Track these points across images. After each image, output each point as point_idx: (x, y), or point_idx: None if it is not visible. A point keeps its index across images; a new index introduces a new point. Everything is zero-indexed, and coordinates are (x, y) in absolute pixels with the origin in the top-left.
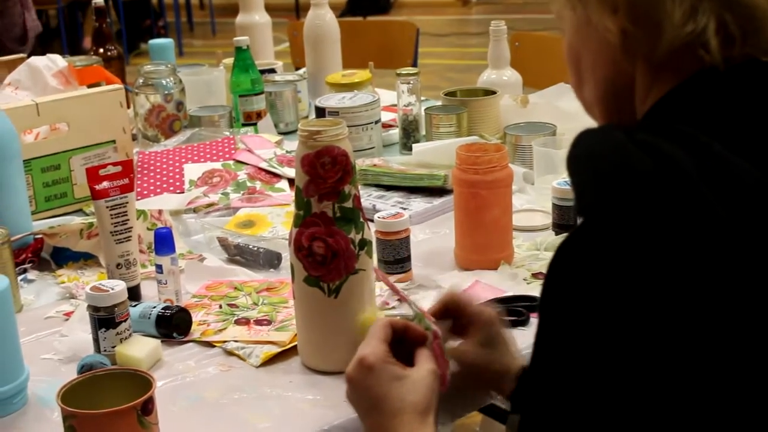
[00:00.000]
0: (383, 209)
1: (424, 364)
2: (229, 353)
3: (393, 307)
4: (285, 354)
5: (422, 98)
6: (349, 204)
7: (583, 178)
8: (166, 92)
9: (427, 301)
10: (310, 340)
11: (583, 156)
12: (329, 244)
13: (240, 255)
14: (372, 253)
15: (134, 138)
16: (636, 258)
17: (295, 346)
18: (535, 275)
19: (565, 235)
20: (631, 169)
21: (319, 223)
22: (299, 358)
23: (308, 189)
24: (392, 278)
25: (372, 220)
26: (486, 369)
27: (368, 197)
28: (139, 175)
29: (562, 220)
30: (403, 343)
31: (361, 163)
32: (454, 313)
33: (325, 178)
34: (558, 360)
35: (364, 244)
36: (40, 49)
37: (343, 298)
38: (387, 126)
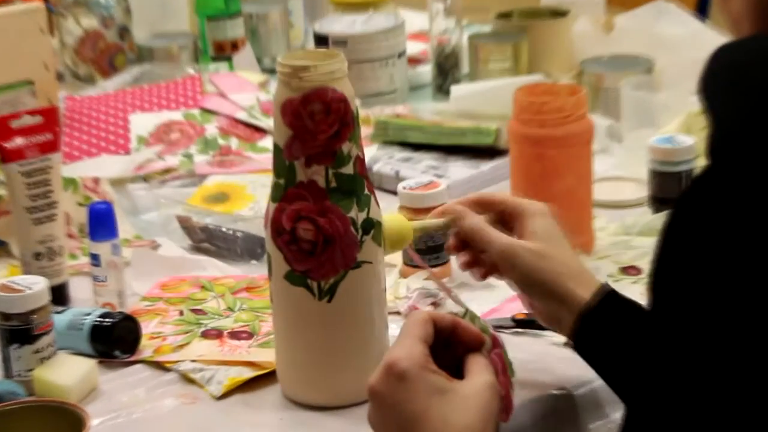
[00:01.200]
0: (410, 177)
1: (479, 376)
2: (191, 379)
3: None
4: (270, 380)
5: (464, 22)
6: (348, 170)
7: (726, 99)
8: (105, 14)
9: (473, 304)
10: (294, 361)
11: (727, 69)
12: (320, 226)
13: (209, 241)
14: (381, 239)
15: (60, 78)
16: None
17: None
18: (625, 270)
19: (687, 193)
20: None
21: (307, 197)
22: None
23: (291, 148)
24: (423, 273)
25: (393, 193)
26: (539, 281)
27: (389, 160)
28: (67, 130)
29: (663, 192)
30: (450, 347)
31: (378, 112)
32: (488, 210)
33: (315, 133)
34: (690, 360)
35: (371, 226)
36: None
37: (339, 303)
38: (415, 61)
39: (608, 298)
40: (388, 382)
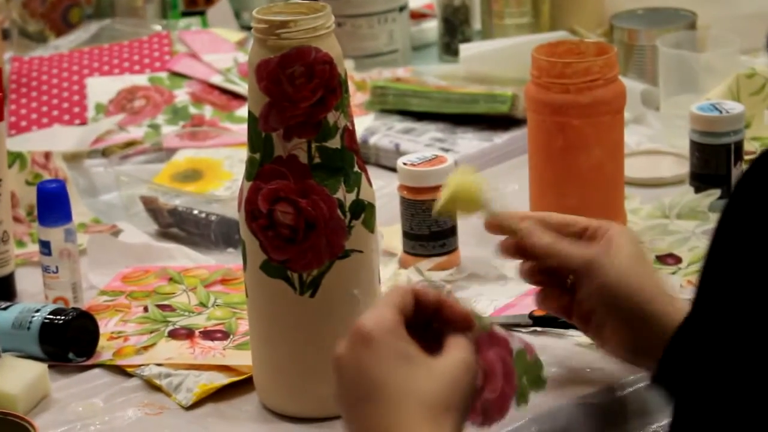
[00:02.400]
0: (412, 151)
1: (454, 352)
2: (157, 386)
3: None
4: (247, 387)
5: None
6: (335, 143)
7: None
8: None
9: (482, 301)
10: (273, 366)
11: None
12: (302, 208)
13: (179, 225)
14: (374, 224)
15: (5, 36)
16: None
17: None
18: (662, 258)
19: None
20: None
21: (286, 175)
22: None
23: (268, 118)
24: (426, 263)
25: (393, 170)
26: (625, 295)
27: (388, 132)
28: (13, 96)
29: (706, 167)
30: (433, 328)
31: (376, 75)
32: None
33: (296, 99)
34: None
35: (361, 208)
36: None
37: (324, 298)
38: (419, 16)
39: None
40: (353, 347)
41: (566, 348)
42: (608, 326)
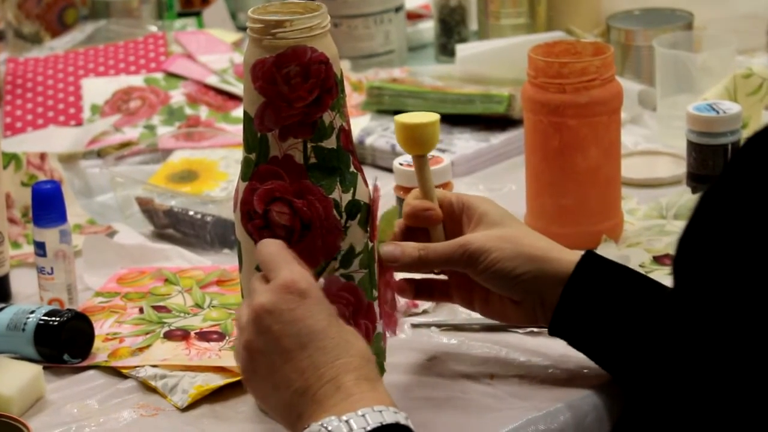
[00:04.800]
0: None
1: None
2: (152, 388)
3: (425, 311)
4: (242, 388)
5: None
6: (330, 143)
7: None
8: None
9: None
10: None
11: None
12: (297, 209)
13: (175, 227)
14: (367, 225)
15: (0, 37)
16: None
17: None
18: (659, 259)
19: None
20: None
21: (282, 175)
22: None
23: (263, 118)
24: None
25: (390, 170)
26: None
27: (384, 132)
28: (8, 97)
29: (703, 167)
30: None
31: (372, 76)
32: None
33: (291, 99)
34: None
35: (357, 209)
36: None
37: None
38: (415, 16)
39: (594, 262)
40: (288, 299)
41: (562, 349)
42: (502, 304)
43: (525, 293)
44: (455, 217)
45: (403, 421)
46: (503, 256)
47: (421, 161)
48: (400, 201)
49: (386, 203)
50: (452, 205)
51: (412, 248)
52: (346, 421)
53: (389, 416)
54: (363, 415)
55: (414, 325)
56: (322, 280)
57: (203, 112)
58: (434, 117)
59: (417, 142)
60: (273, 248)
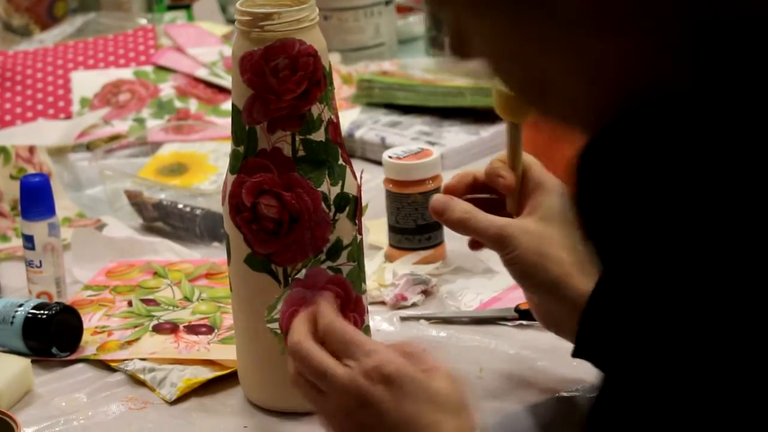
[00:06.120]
0: (398, 144)
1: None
2: (141, 381)
3: (414, 304)
4: (232, 381)
5: None
6: (319, 136)
7: None
8: None
9: (470, 293)
10: (258, 360)
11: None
12: (286, 202)
13: (163, 219)
14: (355, 218)
15: None
16: None
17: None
18: None
19: None
20: None
21: (270, 168)
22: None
23: (252, 111)
24: (412, 257)
25: (380, 163)
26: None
27: (374, 125)
28: None
29: None
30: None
31: (362, 69)
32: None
33: (280, 92)
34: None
35: (346, 202)
36: None
37: None
38: (405, 9)
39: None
40: (383, 388)
41: (552, 341)
42: (531, 298)
43: (536, 305)
44: (528, 192)
45: None
46: (523, 260)
47: (514, 129)
48: (390, 194)
49: (376, 196)
50: (530, 181)
51: (459, 209)
52: None
53: None
54: None
55: (403, 318)
56: (304, 270)
57: (193, 105)
58: None
59: (514, 109)
60: (337, 325)
